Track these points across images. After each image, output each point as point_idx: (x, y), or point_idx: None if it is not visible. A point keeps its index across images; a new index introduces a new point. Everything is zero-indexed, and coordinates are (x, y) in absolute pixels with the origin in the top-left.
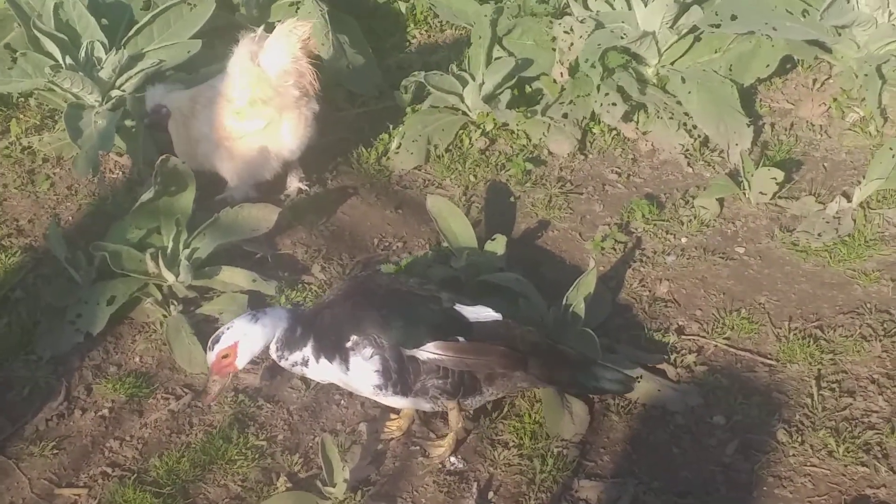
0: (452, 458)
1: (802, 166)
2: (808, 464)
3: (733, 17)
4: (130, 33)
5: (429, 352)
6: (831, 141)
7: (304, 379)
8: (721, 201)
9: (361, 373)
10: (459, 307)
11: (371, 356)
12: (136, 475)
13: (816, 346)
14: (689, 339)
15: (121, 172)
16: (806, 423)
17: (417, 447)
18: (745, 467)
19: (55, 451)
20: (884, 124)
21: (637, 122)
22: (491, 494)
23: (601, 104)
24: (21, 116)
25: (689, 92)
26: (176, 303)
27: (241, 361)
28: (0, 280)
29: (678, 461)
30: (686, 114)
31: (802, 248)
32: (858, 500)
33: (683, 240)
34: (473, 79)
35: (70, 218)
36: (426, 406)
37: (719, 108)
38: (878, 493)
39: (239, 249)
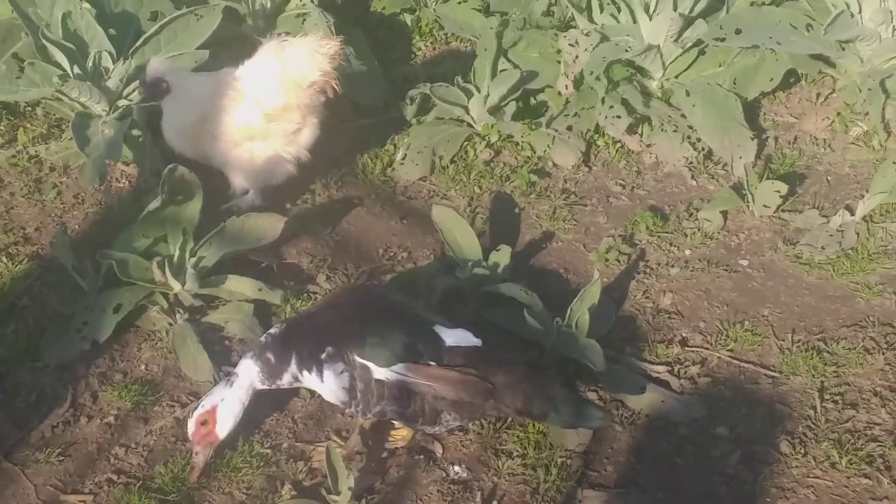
0: (456, 468)
1: (806, 180)
2: (811, 475)
3: (738, 31)
4: (138, 43)
5: (398, 373)
6: (835, 155)
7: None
8: (725, 214)
9: (330, 386)
10: (439, 329)
11: (341, 372)
12: (141, 482)
13: (820, 358)
14: (693, 351)
15: (127, 181)
16: (809, 434)
17: (422, 456)
18: (749, 478)
19: (61, 458)
20: (887, 138)
21: (641, 135)
22: (495, 503)
23: (606, 116)
24: (28, 125)
25: (694, 105)
26: (182, 311)
27: (221, 428)
28: (7, 288)
29: (681, 472)
30: (690, 127)
31: (806, 260)
32: None
33: (687, 252)
34: (479, 91)
35: (77, 226)
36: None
37: (723, 122)
38: None
39: (245, 258)
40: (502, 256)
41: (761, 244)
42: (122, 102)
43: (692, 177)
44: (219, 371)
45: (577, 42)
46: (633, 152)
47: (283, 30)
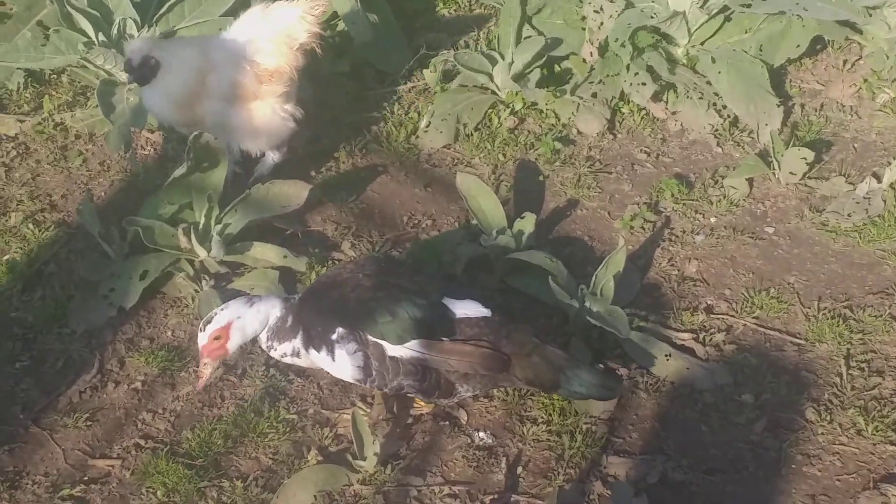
0: (481, 434)
1: (832, 147)
2: (837, 442)
3: None
4: (162, 10)
5: (411, 350)
6: (861, 122)
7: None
8: (750, 181)
9: (344, 365)
10: (448, 301)
11: (354, 352)
12: (168, 447)
13: (846, 325)
14: (718, 318)
15: (152, 149)
16: (835, 401)
17: (447, 422)
18: (774, 445)
19: (88, 423)
20: None
21: (666, 102)
22: (520, 469)
23: (630, 84)
24: (53, 93)
25: (719, 72)
26: (208, 278)
27: (232, 344)
28: (34, 254)
29: (707, 439)
30: (716, 94)
31: (832, 228)
32: (887, 479)
33: (713, 219)
34: (503, 58)
35: (103, 193)
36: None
37: (749, 89)
38: None
39: (270, 226)
40: (527, 224)
41: (787, 212)
42: None
43: (718, 144)
44: None
45: (601, 9)
46: (658, 120)
47: None
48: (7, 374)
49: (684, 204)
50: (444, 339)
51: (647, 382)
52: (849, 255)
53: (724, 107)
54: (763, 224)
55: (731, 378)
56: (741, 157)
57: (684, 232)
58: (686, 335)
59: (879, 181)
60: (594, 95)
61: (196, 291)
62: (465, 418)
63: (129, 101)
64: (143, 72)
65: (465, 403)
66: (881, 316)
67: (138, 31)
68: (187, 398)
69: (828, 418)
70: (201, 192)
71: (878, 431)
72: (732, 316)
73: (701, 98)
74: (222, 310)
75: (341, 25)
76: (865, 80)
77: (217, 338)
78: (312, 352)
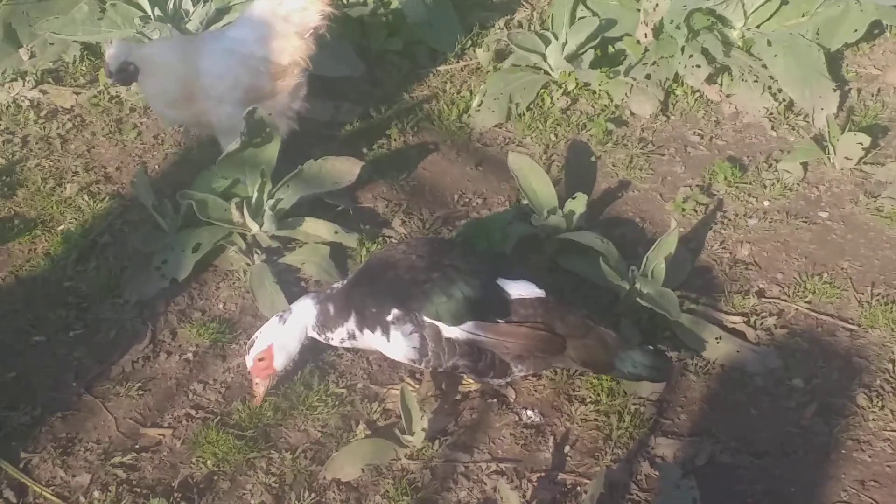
0: (529, 412)
1: (889, 132)
2: (888, 428)
3: None
4: None
5: (467, 331)
6: None
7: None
8: (805, 165)
9: (399, 346)
10: (502, 281)
11: (410, 333)
12: (218, 417)
13: None
14: (770, 302)
15: None
16: (887, 388)
17: (495, 400)
18: (824, 430)
19: (141, 392)
20: None
21: (721, 85)
22: (567, 448)
23: (685, 66)
24: None
25: (775, 55)
26: (259, 252)
27: (278, 363)
28: (89, 225)
29: (756, 422)
30: (771, 77)
31: (887, 214)
32: None
33: (766, 203)
34: (556, 38)
35: (157, 166)
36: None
37: (805, 73)
38: None
39: (321, 202)
40: (578, 204)
41: (842, 197)
42: None
43: (772, 128)
44: None
45: None
46: (712, 102)
47: None
48: (61, 343)
49: (737, 187)
50: (499, 320)
51: (697, 365)
52: None
53: (780, 90)
54: (817, 209)
55: (782, 362)
56: (796, 142)
57: (737, 215)
58: (737, 318)
59: None
60: (648, 77)
61: (248, 265)
62: (514, 396)
63: None
64: (123, 76)
65: (514, 382)
66: None
67: (193, 6)
68: (238, 370)
69: (879, 404)
70: (254, 167)
71: None
72: (784, 300)
73: (756, 81)
74: (261, 332)
75: (395, 3)
76: None
77: (262, 359)
78: (367, 332)
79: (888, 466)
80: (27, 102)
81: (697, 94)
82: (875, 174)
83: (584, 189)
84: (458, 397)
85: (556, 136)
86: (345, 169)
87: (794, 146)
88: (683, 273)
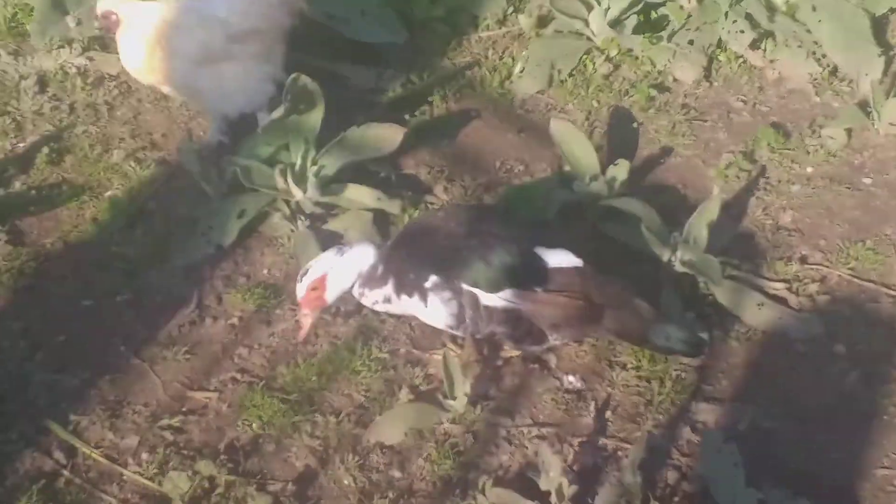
0: (571, 377)
1: None
2: None
3: None
4: None
5: (505, 299)
6: None
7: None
8: (849, 131)
9: (437, 312)
10: (540, 250)
11: (448, 300)
12: (263, 381)
13: None
14: (812, 269)
15: None
16: None
17: (536, 365)
18: (867, 397)
19: (187, 356)
20: None
21: (765, 50)
22: (608, 413)
23: (728, 31)
24: None
25: (820, 20)
26: (303, 218)
27: (330, 295)
28: (135, 191)
29: (798, 388)
30: (815, 42)
31: None
32: None
33: (809, 169)
34: (599, 3)
35: (202, 133)
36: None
37: (850, 38)
38: None
39: (364, 168)
40: (620, 171)
41: (886, 163)
42: None
43: (816, 93)
44: None
45: None
46: (755, 68)
47: None
48: (109, 307)
49: (780, 153)
50: (537, 288)
51: (739, 331)
52: None
53: (824, 56)
54: (861, 175)
55: (824, 329)
56: (840, 107)
57: (780, 182)
58: (779, 285)
59: None
60: (691, 42)
61: (292, 231)
62: (555, 362)
63: None
64: (106, 24)
65: (555, 348)
66: None
67: None
68: (283, 335)
69: None
70: (298, 134)
71: None
72: (827, 266)
73: (800, 47)
74: (317, 261)
75: None
76: None
77: (314, 289)
78: (404, 298)
79: None
80: (74, 69)
81: (741, 60)
82: None
83: (627, 156)
84: (500, 363)
85: (598, 102)
86: (387, 136)
87: (839, 112)
88: (725, 239)
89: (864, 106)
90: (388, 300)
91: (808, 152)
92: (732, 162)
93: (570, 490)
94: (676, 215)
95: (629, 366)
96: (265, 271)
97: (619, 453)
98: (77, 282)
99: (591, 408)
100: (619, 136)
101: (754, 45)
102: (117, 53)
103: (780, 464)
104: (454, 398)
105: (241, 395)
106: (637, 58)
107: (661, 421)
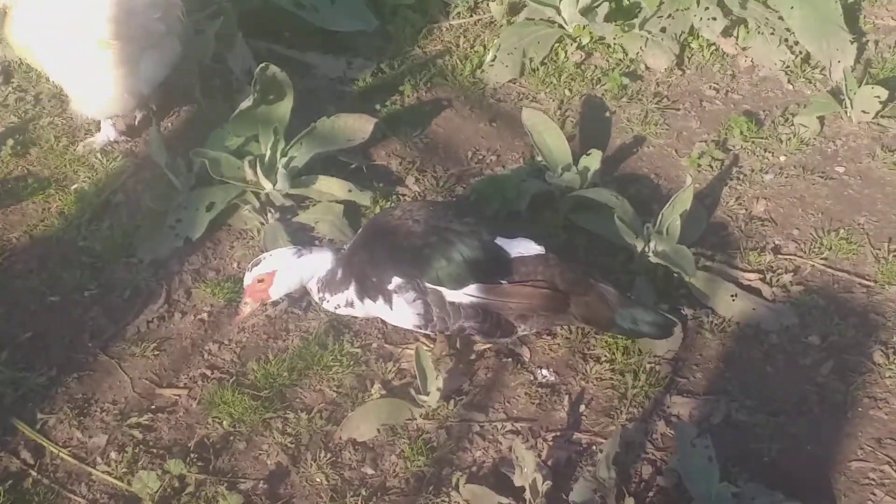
0: (544, 371)
1: None
2: None
3: None
4: None
5: (471, 295)
6: None
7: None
8: (822, 119)
9: (404, 313)
10: (501, 241)
11: (414, 300)
12: (234, 378)
13: None
14: (786, 259)
15: (219, 80)
16: None
17: (509, 359)
18: (840, 388)
19: (156, 352)
20: None
21: (737, 38)
22: (582, 407)
23: (701, 18)
24: None
25: (792, 7)
26: (273, 210)
27: (275, 291)
28: (102, 184)
29: (771, 380)
30: (788, 29)
31: None
32: None
33: (782, 158)
34: None
35: (169, 125)
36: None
37: (822, 25)
38: None
39: (335, 159)
40: (592, 161)
41: (859, 151)
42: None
43: (788, 81)
44: None
45: None
46: (727, 55)
47: None
48: (76, 303)
49: (753, 142)
50: (502, 280)
51: (713, 322)
52: None
53: (796, 43)
54: (833, 163)
55: (798, 319)
56: (812, 95)
57: (753, 170)
58: (753, 275)
59: None
60: (663, 30)
61: (261, 224)
62: (528, 356)
63: (196, 34)
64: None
65: (528, 341)
66: None
67: None
68: (253, 330)
69: None
70: (267, 125)
71: None
72: (800, 256)
73: (772, 34)
74: (271, 255)
75: None
76: None
77: (261, 281)
78: (368, 302)
79: None
80: None
81: (713, 48)
82: (892, 128)
83: (599, 145)
84: (473, 357)
85: (570, 91)
86: (358, 126)
87: (811, 100)
88: (699, 230)
89: (836, 93)
90: (350, 304)
91: (781, 141)
92: (705, 151)
93: (544, 486)
94: (649, 205)
95: (603, 359)
96: (235, 265)
97: (594, 447)
98: (43, 277)
99: (565, 402)
100: (591, 125)
101: (726, 33)
102: None
103: (755, 457)
104: (427, 393)
105: (212, 391)
106: (609, 46)
107: (636, 414)
